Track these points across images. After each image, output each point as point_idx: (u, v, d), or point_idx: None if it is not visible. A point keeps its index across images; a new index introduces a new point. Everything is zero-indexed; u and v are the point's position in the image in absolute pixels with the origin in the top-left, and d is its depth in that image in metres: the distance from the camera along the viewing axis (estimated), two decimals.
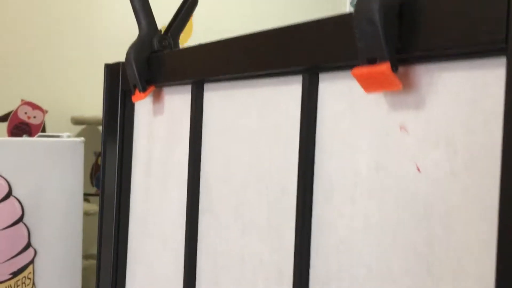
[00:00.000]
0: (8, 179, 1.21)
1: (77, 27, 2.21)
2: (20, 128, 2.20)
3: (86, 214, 1.90)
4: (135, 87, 0.69)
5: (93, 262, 2.21)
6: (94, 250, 2.25)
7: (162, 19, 2.45)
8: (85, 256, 1.89)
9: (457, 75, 0.37)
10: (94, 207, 2.06)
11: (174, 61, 0.64)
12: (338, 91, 0.46)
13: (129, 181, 0.77)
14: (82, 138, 1.39)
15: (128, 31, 2.33)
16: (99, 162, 2.41)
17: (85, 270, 1.87)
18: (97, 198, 2.36)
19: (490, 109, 0.35)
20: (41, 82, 2.18)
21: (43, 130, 2.25)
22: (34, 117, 2.23)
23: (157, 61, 0.67)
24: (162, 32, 0.72)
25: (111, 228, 0.81)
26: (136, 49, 0.67)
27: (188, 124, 0.64)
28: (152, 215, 0.73)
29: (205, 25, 2.59)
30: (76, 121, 2.12)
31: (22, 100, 2.18)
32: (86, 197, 2.37)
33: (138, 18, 0.69)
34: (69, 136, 1.40)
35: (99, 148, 2.39)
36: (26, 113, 2.20)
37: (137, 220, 0.77)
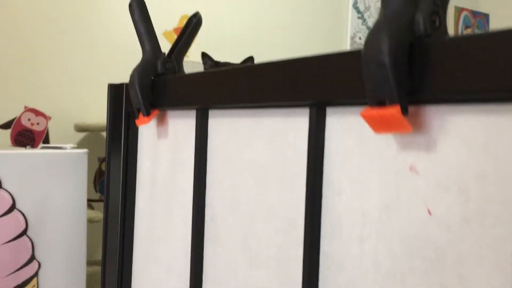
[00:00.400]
0: (12, 192, 1.21)
1: (80, 33, 2.21)
2: (24, 135, 2.20)
3: (90, 221, 1.90)
4: (139, 110, 0.68)
5: (97, 268, 2.21)
6: (98, 256, 2.25)
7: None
8: (89, 262, 1.89)
9: (469, 118, 0.37)
10: (97, 214, 2.06)
11: (178, 87, 0.63)
12: (347, 127, 0.46)
13: (133, 203, 0.77)
14: (85, 150, 1.38)
15: (131, 38, 2.33)
16: (103, 167, 2.41)
17: (89, 276, 1.87)
18: (100, 204, 2.36)
19: (503, 155, 0.34)
20: (44, 89, 2.18)
21: (47, 137, 2.25)
22: (38, 123, 2.23)
23: (161, 85, 0.67)
24: (166, 54, 0.71)
25: (115, 245, 0.81)
26: (139, 72, 0.67)
27: (192, 149, 0.63)
28: (156, 240, 0.72)
29: (205, 30, 2.59)
30: (79, 128, 2.11)
31: (25, 107, 2.17)
32: (90, 203, 2.37)
33: (142, 42, 0.68)
34: (73, 147, 1.39)
35: (102, 154, 2.39)
36: (29, 119, 2.20)
37: (142, 242, 0.76)
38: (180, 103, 0.64)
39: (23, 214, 1.25)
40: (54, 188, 1.28)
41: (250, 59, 1.66)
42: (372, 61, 0.37)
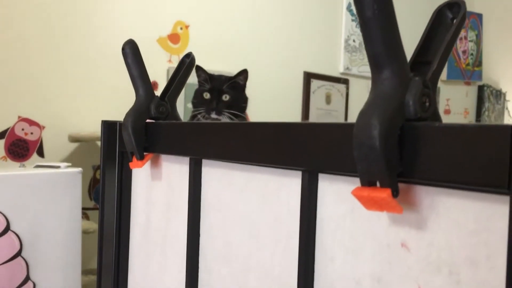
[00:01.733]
0: (6, 214, 1.21)
1: (74, 43, 2.20)
2: (18, 145, 2.20)
3: (84, 232, 1.90)
4: (132, 154, 0.68)
5: (92, 277, 2.20)
6: (92, 265, 2.24)
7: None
8: (84, 272, 1.90)
9: (459, 202, 0.37)
10: (92, 225, 2.06)
11: (172, 135, 0.63)
12: (339, 194, 0.46)
13: (128, 243, 0.77)
14: (79, 169, 1.38)
15: None
16: (97, 176, 2.41)
17: (84, 287, 1.87)
18: (94, 213, 2.36)
19: (493, 244, 0.35)
20: (38, 98, 2.17)
21: (41, 146, 2.25)
22: (31, 133, 2.22)
23: (155, 130, 0.67)
24: (159, 95, 0.71)
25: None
26: (133, 117, 0.67)
27: (186, 196, 0.64)
28: (151, 281, 0.72)
29: (201, 33, 2.58)
30: (73, 139, 2.11)
31: (19, 117, 2.17)
32: (85, 211, 2.37)
33: (135, 85, 0.68)
34: (67, 166, 1.39)
35: (96, 162, 2.38)
36: (23, 129, 2.19)
37: (137, 282, 0.76)
38: (174, 151, 0.64)
39: (17, 235, 1.24)
40: (48, 208, 1.28)
41: (244, 72, 1.65)
42: (363, 144, 0.37)
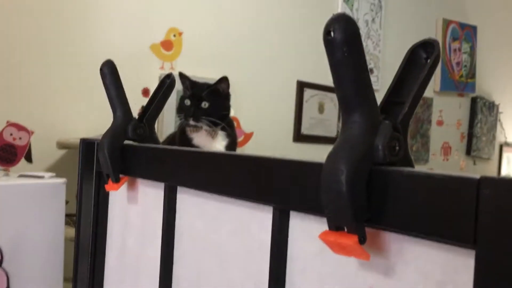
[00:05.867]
0: None
1: (64, 48, 2.18)
2: (6, 150, 2.18)
3: (70, 240, 1.88)
4: (108, 176, 0.67)
5: None
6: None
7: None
8: (68, 279, 1.87)
9: (427, 252, 0.36)
10: None
11: (148, 159, 0.62)
12: (309, 232, 0.45)
13: (103, 266, 0.75)
14: (64, 179, 1.36)
15: (116, 53, 2.30)
16: None
17: None
18: None
19: None
20: (27, 103, 2.15)
21: (29, 151, 2.22)
22: (20, 138, 2.20)
23: (131, 153, 0.65)
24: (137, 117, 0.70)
25: None
26: (109, 139, 0.65)
27: (161, 222, 0.62)
28: None
29: (195, 41, 2.57)
30: (62, 146, 2.09)
31: (7, 122, 2.14)
32: (73, 217, 2.34)
33: (113, 106, 0.67)
34: (51, 177, 1.37)
35: None
36: (11, 134, 2.17)
37: None
38: (149, 176, 0.63)
39: None
40: (30, 219, 1.27)
41: (223, 79, 1.62)
42: (330, 189, 0.36)
